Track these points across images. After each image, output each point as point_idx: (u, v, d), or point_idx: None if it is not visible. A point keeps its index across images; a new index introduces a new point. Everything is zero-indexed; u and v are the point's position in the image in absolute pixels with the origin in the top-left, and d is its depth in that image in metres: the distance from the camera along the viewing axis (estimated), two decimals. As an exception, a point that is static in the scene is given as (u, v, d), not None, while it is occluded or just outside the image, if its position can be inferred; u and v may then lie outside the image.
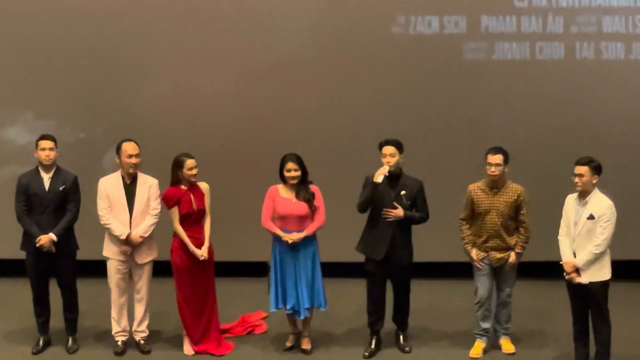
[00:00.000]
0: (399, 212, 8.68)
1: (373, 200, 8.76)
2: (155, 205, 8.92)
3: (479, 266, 8.76)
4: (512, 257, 8.71)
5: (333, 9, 10.58)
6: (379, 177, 8.63)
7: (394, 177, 8.73)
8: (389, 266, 8.83)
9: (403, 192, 8.73)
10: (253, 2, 10.65)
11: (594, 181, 8.11)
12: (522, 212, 8.68)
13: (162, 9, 10.62)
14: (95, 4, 10.63)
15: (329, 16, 10.58)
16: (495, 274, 8.82)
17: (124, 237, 8.81)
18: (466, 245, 8.81)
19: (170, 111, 10.68)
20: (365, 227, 8.94)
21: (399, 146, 8.72)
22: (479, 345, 8.92)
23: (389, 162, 8.67)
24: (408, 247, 8.89)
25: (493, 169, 8.59)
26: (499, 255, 8.71)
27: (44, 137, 8.88)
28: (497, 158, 8.57)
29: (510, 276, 8.83)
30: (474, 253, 8.76)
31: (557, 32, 10.57)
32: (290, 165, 8.77)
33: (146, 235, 8.88)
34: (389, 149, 8.70)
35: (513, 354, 8.91)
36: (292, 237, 8.72)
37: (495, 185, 8.66)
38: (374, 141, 8.83)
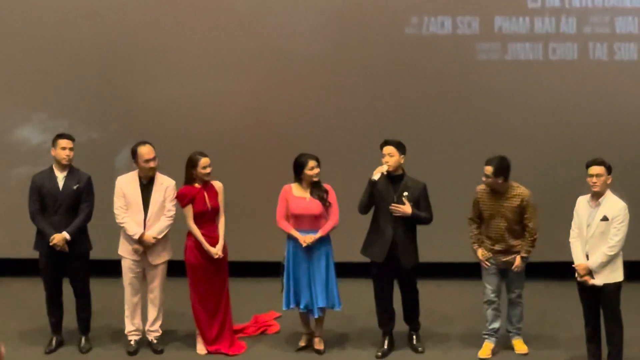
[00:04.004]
0: (407, 208, 8.68)
1: (375, 202, 8.79)
2: (171, 207, 8.92)
3: (486, 265, 8.78)
4: (517, 260, 8.70)
5: (347, 9, 10.57)
6: (376, 175, 8.65)
7: (395, 178, 8.74)
8: (393, 268, 8.84)
9: (405, 194, 8.72)
10: (267, 2, 10.65)
11: (608, 181, 8.12)
12: (526, 215, 8.65)
13: (176, 8, 10.62)
14: (108, 3, 10.63)
15: (342, 17, 10.57)
16: (504, 276, 8.84)
17: (137, 236, 8.82)
18: (473, 244, 8.84)
19: (184, 110, 10.68)
20: (368, 230, 8.94)
21: (398, 146, 8.72)
22: (488, 346, 8.91)
23: (387, 162, 8.68)
24: (411, 248, 8.86)
25: (484, 178, 8.64)
26: (504, 258, 8.72)
27: (63, 136, 8.86)
28: (487, 169, 8.58)
29: (519, 278, 8.83)
30: (480, 252, 8.79)
31: (570, 32, 10.56)
32: (312, 163, 8.79)
33: (159, 237, 8.87)
34: (387, 149, 8.71)
35: (526, 354, 8.91)
36: (307, 240, 8.75)
37: (497, 190, 8.67)
38: (385, 141, 8.84)
